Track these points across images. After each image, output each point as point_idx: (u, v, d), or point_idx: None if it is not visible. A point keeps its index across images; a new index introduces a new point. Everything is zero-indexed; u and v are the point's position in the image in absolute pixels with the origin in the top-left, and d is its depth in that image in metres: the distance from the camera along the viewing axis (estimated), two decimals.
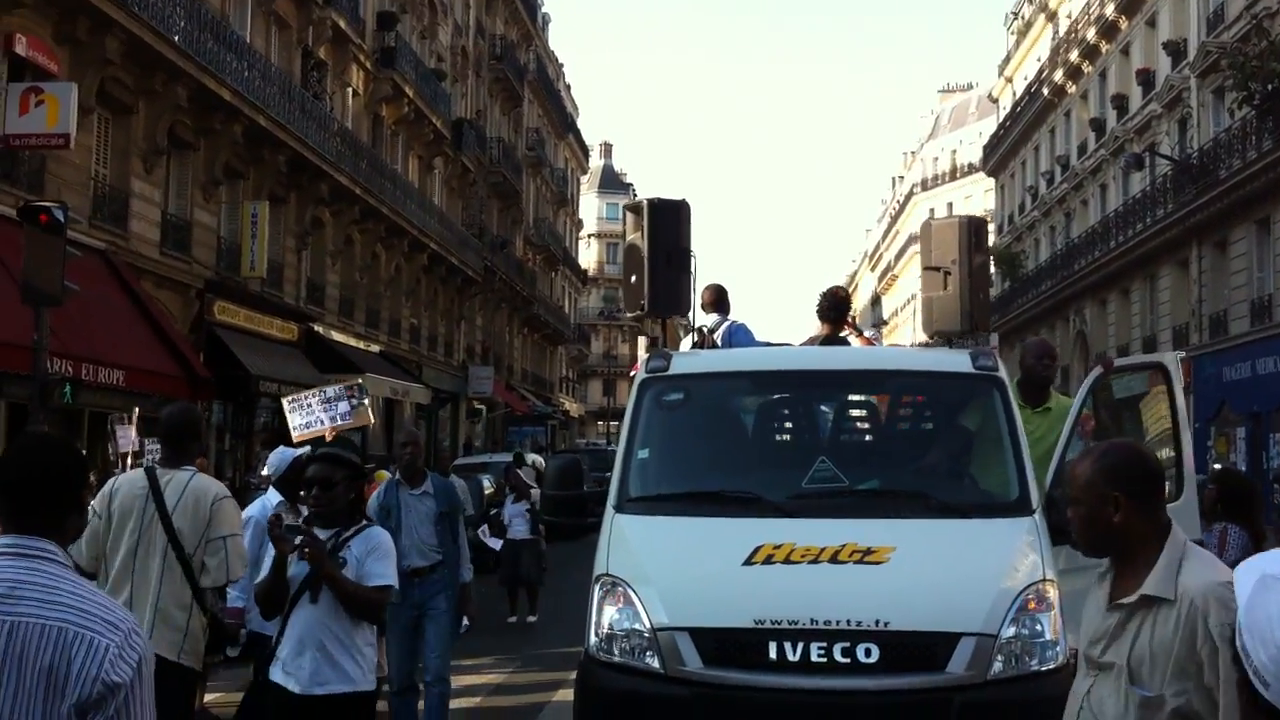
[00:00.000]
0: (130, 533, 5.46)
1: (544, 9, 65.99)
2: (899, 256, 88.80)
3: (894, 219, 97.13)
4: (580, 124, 77.37)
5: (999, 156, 58.28)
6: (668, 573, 5.46)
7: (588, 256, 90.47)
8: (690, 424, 6.68)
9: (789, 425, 6.99)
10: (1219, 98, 31.51)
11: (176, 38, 21.26)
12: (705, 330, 9.20)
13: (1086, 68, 43.89)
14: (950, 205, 79.31)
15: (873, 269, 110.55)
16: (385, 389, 31.19)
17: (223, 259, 25.20)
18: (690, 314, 8.80)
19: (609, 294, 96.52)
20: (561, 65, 73.24)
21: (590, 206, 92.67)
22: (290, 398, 13.30)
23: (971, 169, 75.68)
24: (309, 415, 12.66)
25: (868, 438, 6.76)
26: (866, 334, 9.14)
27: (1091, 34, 42.10)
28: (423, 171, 40.52)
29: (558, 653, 12.14)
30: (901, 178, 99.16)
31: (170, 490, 5.50)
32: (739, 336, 8.86)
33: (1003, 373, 6.27)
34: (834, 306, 8.54)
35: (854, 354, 7.20)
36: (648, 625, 5.20)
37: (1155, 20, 36.94)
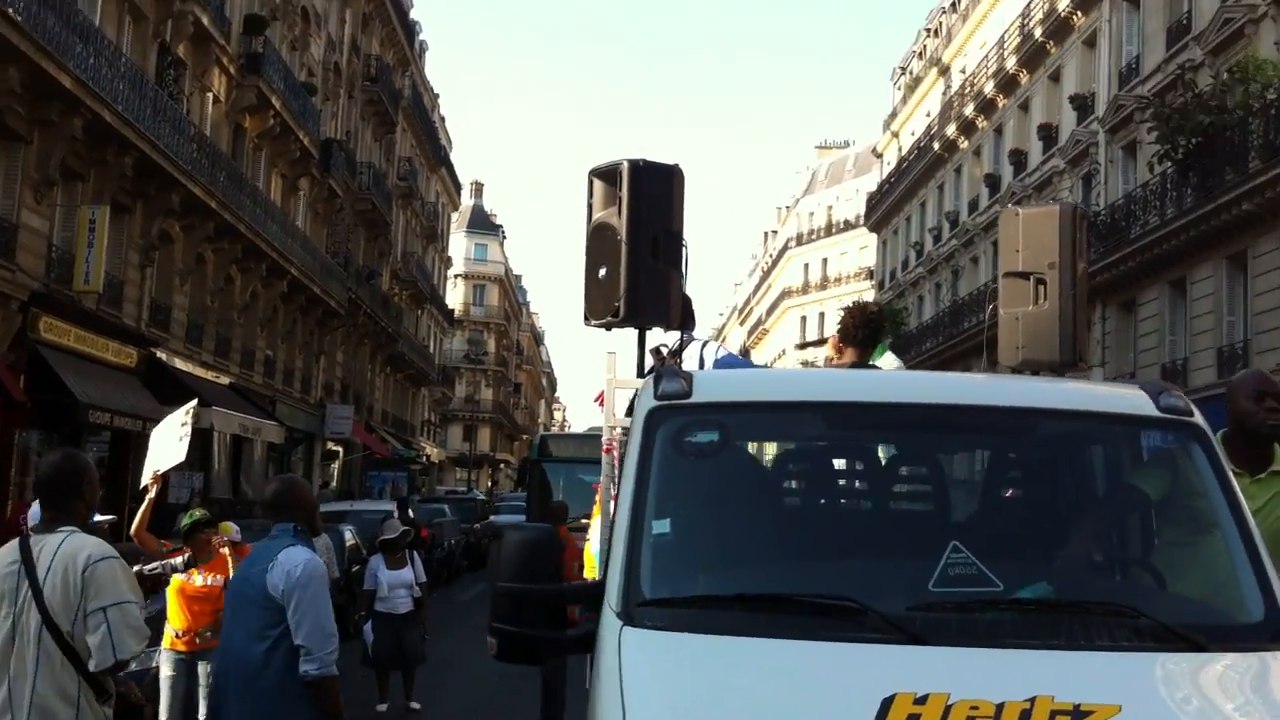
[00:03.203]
0: (4, 617, 4.69)
1: (421, 36, 63.50)
2: (770, 310, 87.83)
3: (766, 273, 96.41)
4: (452, 159, 74.71)
5: (882, 211, 57.41)
6: None
7: (454, 297, 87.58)
8: (732, 480, 4.35)
9: (888, 488, 4.65)
10: (1129, 153, 30.56)
11: (12, 10, 18.38)
12: (665, 351, 6.94)
13: (981, 122, 43.05)
14: (825, 260, 78.97)
15: (742, 323, 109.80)
16: (235, 425, 28.15)
17: (53, 269, 22.01)
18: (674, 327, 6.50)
19: (474, 336, 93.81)
20: (437, 96, 70.70)
21: (459, 246, 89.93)
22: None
23: (848, 225, 75.36)
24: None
25: (1013, 512, 4.40)
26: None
27: (989, 88, 41.25)
28: (286, 191, 37.46)
29: None
30: (775, 232, 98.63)
31: (42, 559, 4.69)
32: (729, 364, 6.59)
33: (1200, 419, 4.11)
34: (865, 325, 6.35)
35: (981, 385, 4.84)
36: None
37: (1059, 74, 36.10)
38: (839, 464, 4.65)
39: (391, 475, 46.89)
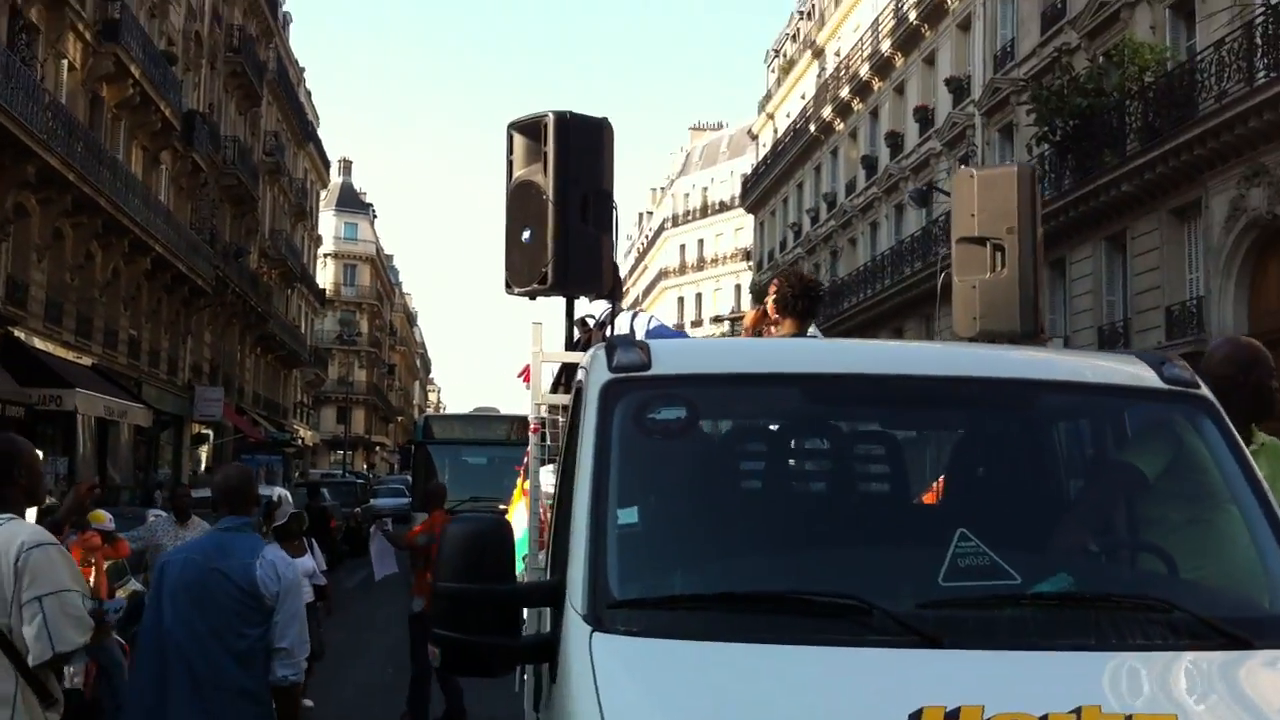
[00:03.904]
0: None
1: (285, 8, 61.68)
2: (647, 291, 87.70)
3: (642, 254, 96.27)
4: (320, 135, 72.86)
5: (759, 193, 57.54)
6: None
7: (324, 277, 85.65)
8: (703, 463, 3.92)
9: (880, 469, 4.22)
10: (1005, 136, 30.92)
11: None
12: (590, 322, 6.49)
13: (857, 105, 43.30)
14: (701, 241, 79.10)
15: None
16: (99, 407, 26.87)
17: None
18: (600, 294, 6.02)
19: (346, 317, 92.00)
20: (303, 70, 68.85)
21: (328, 225, 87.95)
22: None
23: (723, 206, 75.49)
24: None
25: (1019, 494, 4.02)
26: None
27: (864, 70, 41.47)
28: (148, 165, 35.88)
29: None
30: (650, 213, 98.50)
31: None
32: (661, 335, 6.17)
33: (1207, 391, 3.81)
34: (804, 294, 5.99)
35: (976, 356, 4.31)
36: None
37: (934, 58, 36.41)
38: (820, 443, 4.23)
39: (265, 459, 45.53)
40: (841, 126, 45.25)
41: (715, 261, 76.63)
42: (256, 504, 5.47)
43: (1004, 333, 5.29)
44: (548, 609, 3.60)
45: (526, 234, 5.59)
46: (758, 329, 6.47)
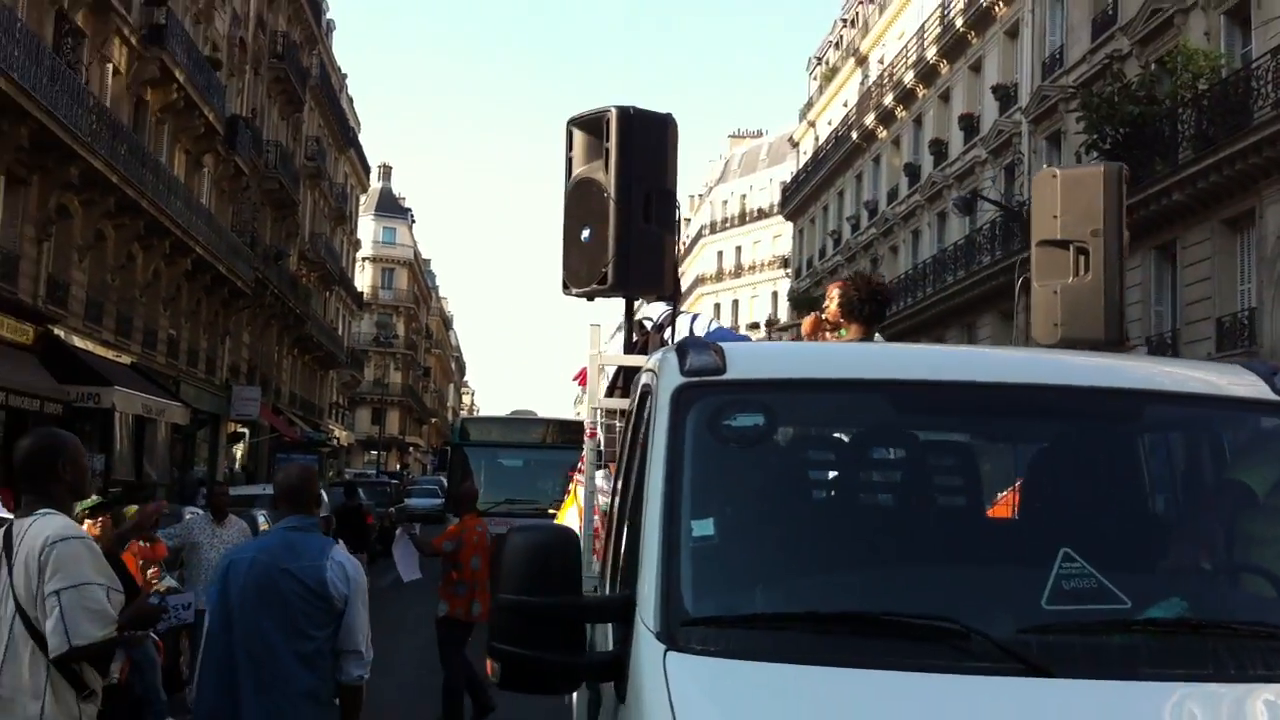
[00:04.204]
0: None
1: (329, 15, 61.91)
2: (685, 297, 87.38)
3: (680, 261, 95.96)
4: (361, 141, 73.07)
5: (799, 200, 57.21)
6: None
7: (362, 281, 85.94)
8: (784, 473, 3.67)
9: (971, 483, 3.94)
10: (1053, 144, 30.52)
11: None
12: (648, 325, 6.29)
13: (901, 112, 42.94)
14: (739, 249, 78.80)
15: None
16: (137, 405, 26.93)
17: None
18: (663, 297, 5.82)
19: (383, 320, 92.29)
20: (345, 76, 69.07)
21: (366, 229, 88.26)
22: None
23: (761, 214, 75.16)
24: None
25: (1127, 512, 3.66)
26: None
27: (909, 78, 41.11)
28: (190, 168, 36.06)
29: None
30: (688, 220, 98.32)
31: (16, 545, 4.41)
32: (723, 338, 5.96)
33: None
34: (871, 298, 5.79)
35: (1075, 364, 4.03)
36: None
37: (980, 65, 36.02)
38: (907, 454, 3.96)
39: (301, 458, 45.53)
40: (884, 134, 44.89)
41: (753, 269, 76.26)
42: (319, 504, 5.34)
43: (1087, 340, 5.04)
44: (609, 624, 3.40)
45: (586, 233, 5.41)
46: (816, 335, 6.29)
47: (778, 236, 70.93)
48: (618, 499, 4.42)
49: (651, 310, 6.17)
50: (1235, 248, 22.98)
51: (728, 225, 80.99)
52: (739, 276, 77.72)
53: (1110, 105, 24.58)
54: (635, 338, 5.99)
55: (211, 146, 36.89)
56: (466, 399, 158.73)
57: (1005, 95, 33.54)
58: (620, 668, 2.98)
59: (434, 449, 69.07)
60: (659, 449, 3.25)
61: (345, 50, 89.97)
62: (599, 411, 5.55)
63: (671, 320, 5.88)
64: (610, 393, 5.86)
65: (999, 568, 3.29)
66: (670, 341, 5.85)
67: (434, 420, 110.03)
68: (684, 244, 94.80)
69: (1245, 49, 22.78)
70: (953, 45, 37.51)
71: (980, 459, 3.95)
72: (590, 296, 5.52)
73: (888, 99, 43.43)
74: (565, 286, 5.62)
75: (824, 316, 6.42)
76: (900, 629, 2.87)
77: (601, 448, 5.65)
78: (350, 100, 71.43)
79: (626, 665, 2.93)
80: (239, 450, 44.20)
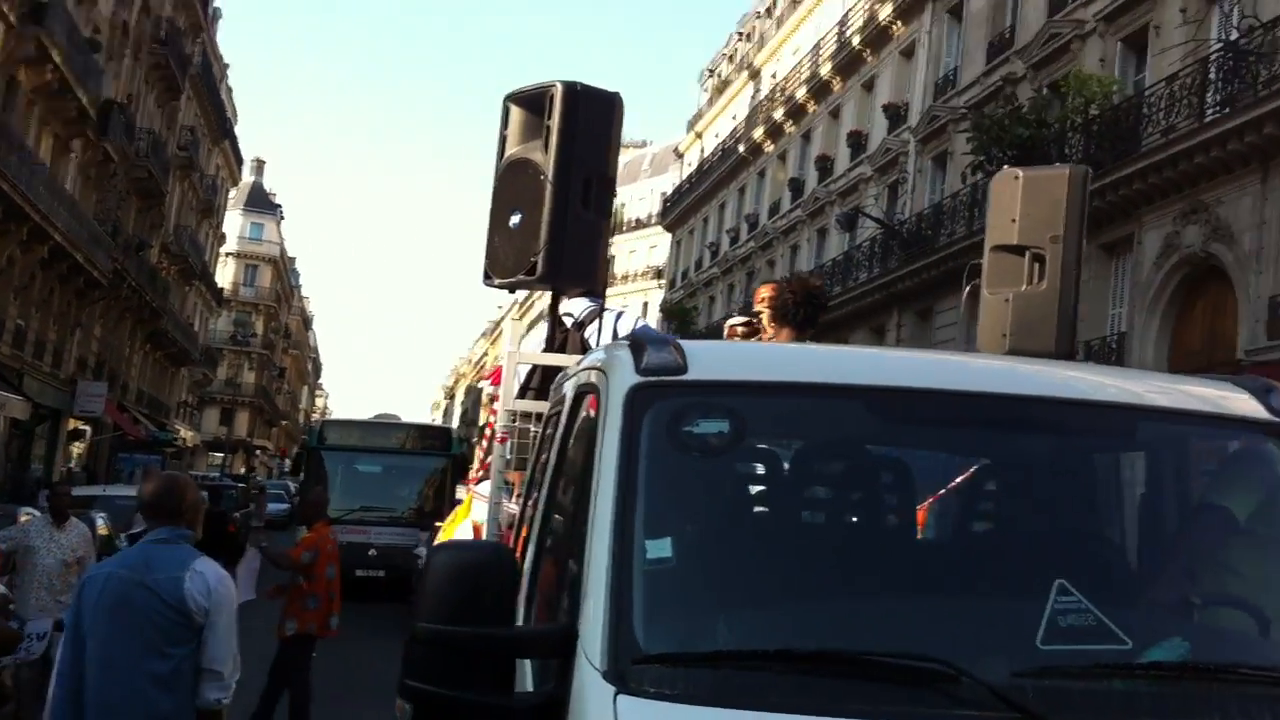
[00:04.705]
0: None
1: (216, 2, 59.94)
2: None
3: None
4: (237, 133, 70.93)
5: (680, 211, 57.12)
6: None
7: (224, 276, 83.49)
8: (752, 488, 3.31)
9: (960, 504, 3.45)
10: (939, 164, 30.63)
11: None
12: (569, 321, 5.73)
13: (790, 127, 42.95)
14: (613, 257, 78.37)
15: (520, 317, 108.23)
16: None
17: None
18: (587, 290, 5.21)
19: (241, 318, 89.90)
20: (227, 65, 67.00)
21: (234, 223, 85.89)
22: None
23: (639, 223, 74.90)
24: None
25: (1122, 539, 3.46)
26: None
27: (801, 93, 41.11)
28: (57, 152, 34.26)
29: None
30: None
31: None
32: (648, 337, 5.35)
33: None
34: (806, 302, 5.38)
35: (1066, 374, 3.63)
36: None
37: (873, 83, 36.10)
38: (889, 469, 3.49)
39: (143, 458, 43.71)
40: (771, 148, 44.87)
41: (625, 278, 75.97)
42: (199, 513, 4.99)
43: (1037, 352, 4.59)
44: (548, 660, 2.83)
45: (515, 218, 4.81)
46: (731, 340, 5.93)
47: (654, 247, 70.83)
48: (535, 513, 3.82)
49: (572, 306, 5.57)
50: (1110, 272, 23.14)
51: None
52: (611, 286, 77.40)
53: (1000, 127, 24.59)
54: (556, 335, 5.36)
55: (82, 131, 35.14)
56: (320, 402, 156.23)
57: (896, 114, 33.64)
58: (558, 711, 2.54)
59: (282, 454, 67.28)
60: (609, 457, 2.85)
61: (230, 40, 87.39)
62: (514, 413, 4.93)
63: (598, 316, 5.30)
64: (522, 394, 5.28)
65: (989, 600, 2.95)
66: (595, 341, 5.31)
67: (284, 423, 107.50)
68: None
69: (1139, 76, 22.97)
70: (847, 62, 37.57)
71: (982, 479, 3.55)
72: (512, 289, 4.92)
73: (778, 113, 43.41)
74: (487, 276, 5.01)
75: (754, 319, 6.05)
76: (883, 671, 2.54)
77: (509, 454, 5.10)
78: (230, 91, 69.35)
79: (565, 708, 2.52)
80: (77, 449, 42.13)
